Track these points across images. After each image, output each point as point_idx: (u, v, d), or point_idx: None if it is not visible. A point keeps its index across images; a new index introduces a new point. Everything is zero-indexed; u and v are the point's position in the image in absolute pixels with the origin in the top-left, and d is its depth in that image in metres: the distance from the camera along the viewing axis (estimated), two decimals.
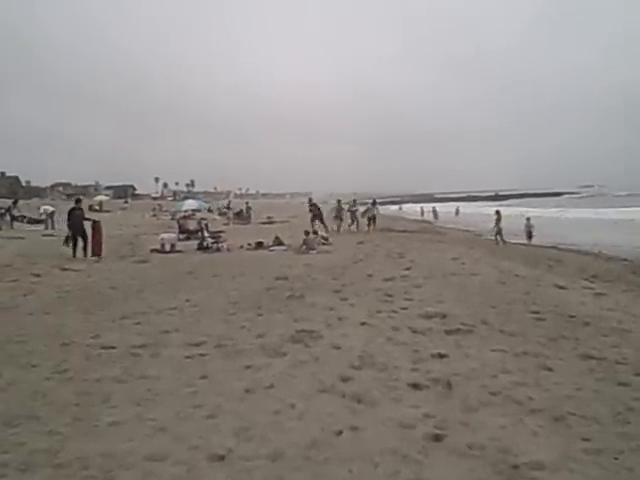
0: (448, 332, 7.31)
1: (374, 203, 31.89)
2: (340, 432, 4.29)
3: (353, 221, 30.10)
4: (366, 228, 29.39)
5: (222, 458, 3.91)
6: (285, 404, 4.90)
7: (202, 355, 6.56)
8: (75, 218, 18.58)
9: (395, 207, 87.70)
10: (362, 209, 31.96)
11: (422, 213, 60.22)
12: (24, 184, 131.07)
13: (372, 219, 30.23)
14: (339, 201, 31.51)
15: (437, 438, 4.14)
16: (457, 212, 63.22)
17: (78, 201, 20.35)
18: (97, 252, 18.12)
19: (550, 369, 5.72)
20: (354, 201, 32.84)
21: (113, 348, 6.92)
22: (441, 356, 6.24)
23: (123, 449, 4.07)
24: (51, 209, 34.95)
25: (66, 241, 18.52)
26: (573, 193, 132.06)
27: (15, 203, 36.44)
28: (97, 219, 20.09)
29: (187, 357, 6.48)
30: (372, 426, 4.39)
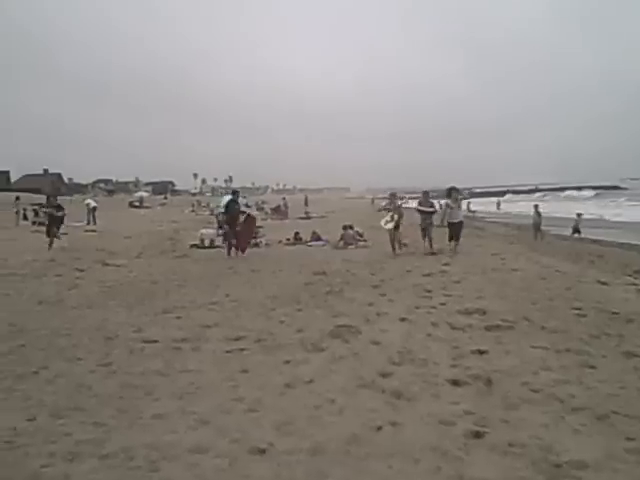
0: (488, 328, 7.25)
1: (454, 193, 16.61)
2: (380, 428, 4.30)
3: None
4: (447, 244, 16.47)
5: (263, 452, 3.96)
6: (325, 399, 4.94)
7: (242, 349, 6.64)
8: (233, 212, 17.67)
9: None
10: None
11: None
12: (67, 181, 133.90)
13: (457, 228, 16.25)
14: (393, 195, 17.69)
15: (478, 435, 4.12)
16: (498, 206, 62.52)
17: (235, 193, 19.11)
18: (242, 247, 17.37)
19: (593, 367, 5.63)
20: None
21: (155, 342, 7.05)
22: (481, 352, 6.19)
23: (167, 441, 4.15)
24: (93, 204, 35.58)
25: (225, 237, 18.10)
26: (619, 188, 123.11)
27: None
28: (251, 213, 18.83)
29: (227, 351, 6.57)
30: (412, 422, 4.39)
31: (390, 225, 16.39)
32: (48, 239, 19.36)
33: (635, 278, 11.64)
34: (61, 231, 20.41)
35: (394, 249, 16.26)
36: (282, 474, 3.63)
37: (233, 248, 17.25)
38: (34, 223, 33.48)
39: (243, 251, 17.32)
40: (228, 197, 18.68)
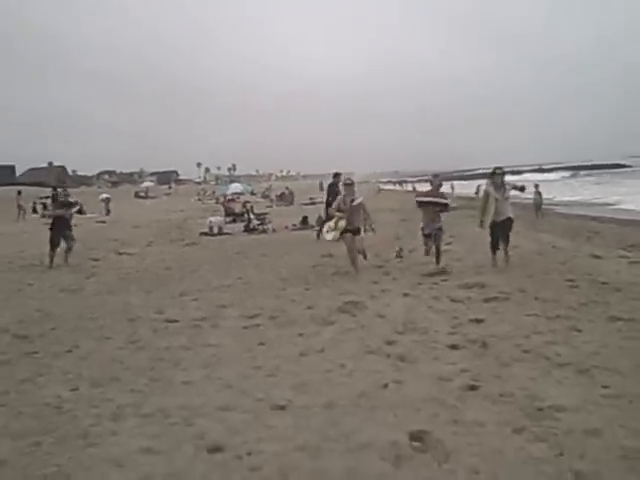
0: (486, 300, 7.79)
1: (498, 175, 10.69)
2: (386, 385, 4.84)
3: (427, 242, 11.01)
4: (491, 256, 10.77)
5: (283, 407, 4.51)
6: (336, 364, 5.47)
7: (258, 325, 7.19)
8: (334, 196, 14.00)
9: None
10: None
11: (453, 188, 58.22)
12: (71, 173, 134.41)
13: (505, 227, 10.58)
14: (346, 181, 11.58)
15: (472, 388, 4.66)
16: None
17: (336, 175, 16.26)
18: None
19: (579, 330, 6.16)
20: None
21: (176, 321, 7.61)
22: (478, 321, 6.73)
23: (197, 402, 4.69)
24: (106, 195, 36.63)
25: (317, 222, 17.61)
26: (623, 166, 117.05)
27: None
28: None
29: (244, 327, 7.12)
30: (414, 380, 4.93)
31: (332, 235, 10.91)
32: (51, 252, 13.67)
33: (628, 252, 12.11)
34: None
35: (353, 263, 10.79)
36: (301, 424, 4.16)
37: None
38: (43, 216, 34.21)
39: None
40: (235, 185, 18.98)
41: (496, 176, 10.60)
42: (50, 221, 14.37)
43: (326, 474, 3.44)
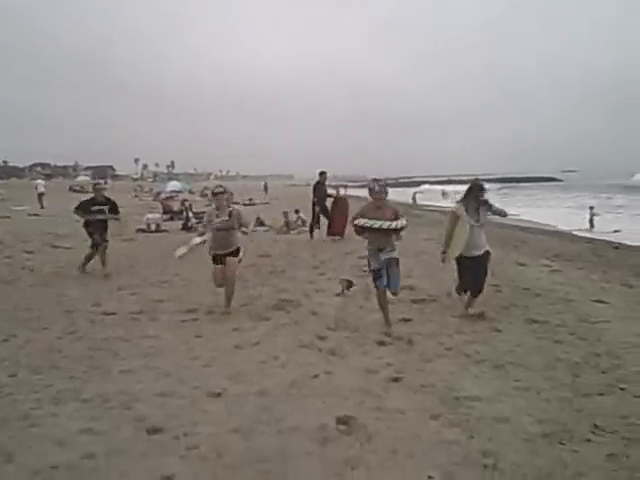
0: (415, 301, 8.25)
1: (476, 194, 7.40)
2: (316, 376, 5.18)
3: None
4: (459, 297, 8.01)
5: (219, 395, 4.78)
6: (270, 356, 5.78)
7: (195, 320, 7.42)
8: (321, 195, 16.66)
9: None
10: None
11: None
12: (1, 164, 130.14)
13: (480, 264, 7.38)
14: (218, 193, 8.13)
15: (396, 380, 5.07)
16: (443, 194, 62.99)
17: (322, 174, 16.96)
18: (338, 231, 16.20)
19: (499, 330, 6.67)
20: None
21: (114, 314, 7.73)
22: (406, 320, 7.18)
23: (136, 389, 4.91)
24: (42, 189, 35.85)
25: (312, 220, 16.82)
26: (554, 180, 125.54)
27: None
28: (341, 196, 17.50)
29: (182, 321, 7.33)
30: (343, 372, 5.29)
31: (182, 251, 8.52)
32: (92, 252, 11.58)
33: (552, 261, 12.76)
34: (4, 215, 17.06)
35: (228, 298, 7.89)
36: (235, 409, 4.45)
37: (316, 231, 16.67)
38: None
39: (341, 235, 16.13)
40: (173, 182, 18.92)
41: (472, 194, 7.50)
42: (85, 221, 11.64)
43: (258, 452, 3.73)
